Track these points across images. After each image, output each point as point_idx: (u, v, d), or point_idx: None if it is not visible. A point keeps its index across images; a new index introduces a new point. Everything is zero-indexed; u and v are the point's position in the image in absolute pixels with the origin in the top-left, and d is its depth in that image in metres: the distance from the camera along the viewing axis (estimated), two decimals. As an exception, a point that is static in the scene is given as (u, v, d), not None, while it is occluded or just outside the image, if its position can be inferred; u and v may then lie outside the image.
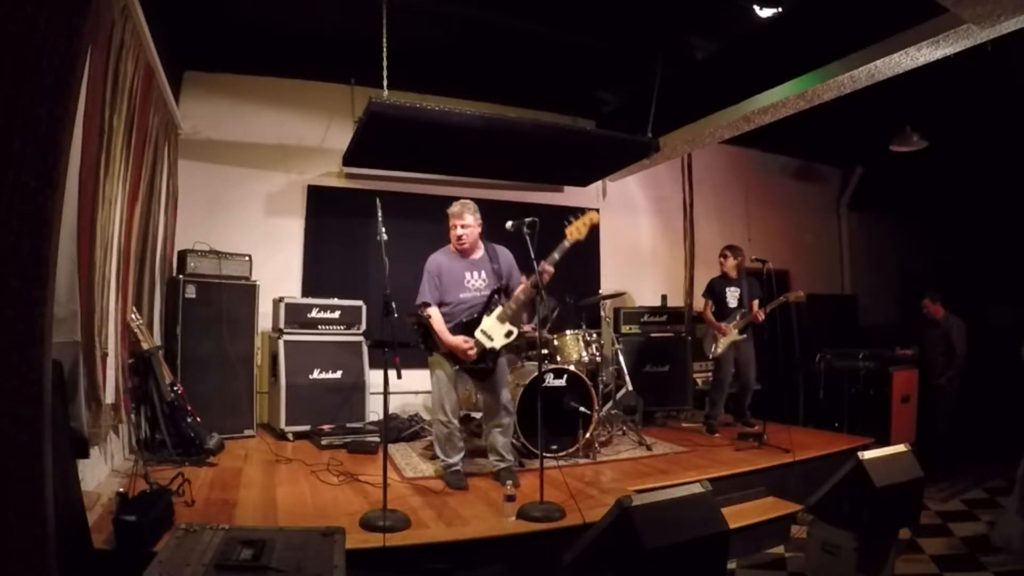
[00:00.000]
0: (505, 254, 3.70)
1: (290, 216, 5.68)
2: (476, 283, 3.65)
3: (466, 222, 3.61)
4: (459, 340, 3.49)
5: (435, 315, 3.57)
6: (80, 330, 2.70)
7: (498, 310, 3.57)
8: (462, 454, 3.71)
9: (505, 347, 3.59)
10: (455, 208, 3.67)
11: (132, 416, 3.91)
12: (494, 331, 3.55)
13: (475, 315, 3.59)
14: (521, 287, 3.56)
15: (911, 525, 3.33)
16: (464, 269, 3.65)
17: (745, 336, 5.25)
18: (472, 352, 3.50)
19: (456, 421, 3.67)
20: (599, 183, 6.80)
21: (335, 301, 5.21)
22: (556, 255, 3.43)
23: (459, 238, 3.62)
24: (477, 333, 3.55)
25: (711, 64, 4.96)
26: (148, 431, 4.05)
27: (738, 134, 5.64)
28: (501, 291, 3.64)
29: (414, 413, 5.50)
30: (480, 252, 3.71)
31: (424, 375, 5.41)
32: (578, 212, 3.50)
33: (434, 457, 4.26)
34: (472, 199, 3.78)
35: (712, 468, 3.98)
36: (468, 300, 3.62)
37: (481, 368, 3.58)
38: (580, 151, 5.66)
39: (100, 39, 2.91)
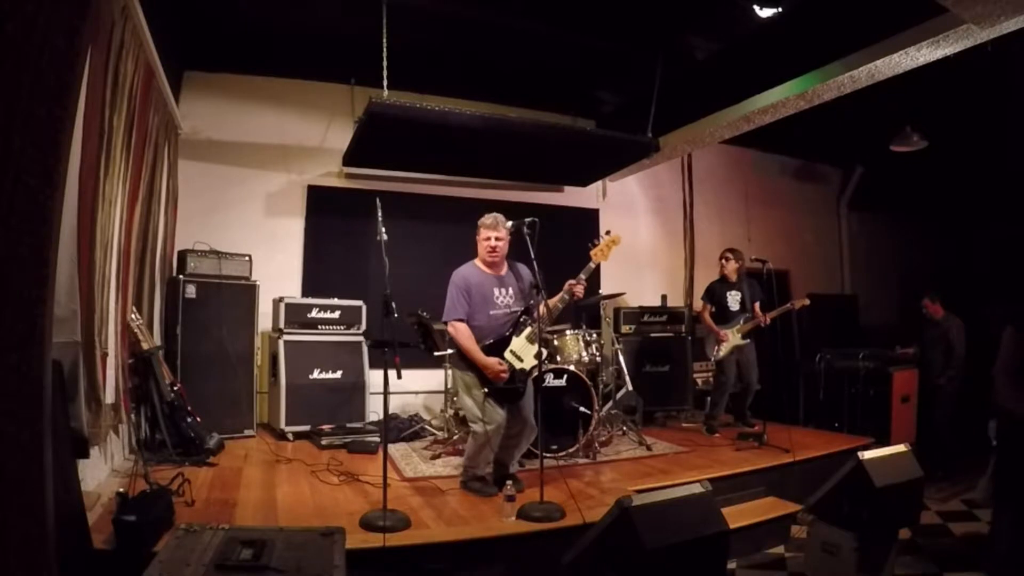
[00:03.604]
0: (527, 272, 3.55)
1: (290, 216, 5.68)
2: (505, 300, 3.53)
3: (500, 234, 3.48)
4: (493, 361, 3.35)
5: (465, 331, 3.40)
6: (80, 330, 2.70)
7: (527, 331, 3.44)
8: (490, 467, 3.58)
9: (535, 368, 3.43)
10: (488, 220, 3.52)
11: (132, 416, 3.91)
12: (524, 352, 3.43)
13: (504, 334, 3.46)
14: (551, 303, 3.45)
15: (911, 525, 3.33)
16: (493, 285, 3.52)
17: (748, 340, 5.24)
18: (505, 375, 3.37)
19: (497, 437, 3.45)
20: (599, 183, 6.81)
21: (335, 301, 5.20)
22: (583, 275, 3.44)
23: (493, 249, 3.47)
24: (507, 354, 3.41)
25: (711, 64, 4.95)
26: (148, 431, 4.05)
27: (738, 134, 5.64)
28: (530, 311, 3.48)
29: (414, 413, 5.51)
30: (505, 268, 3.61)
31: (424, 375, 5.54)
32: (603, 235, 3.54)
33: (436, 457, 4.28)
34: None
35: (712, 468, 3.98)
36: (499, 318, 3.50)
37: (511, 389, 3.43)
38: (580, 151, 5.66)
39: (100, 39, 2.91)
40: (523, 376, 3.46)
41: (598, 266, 3.55)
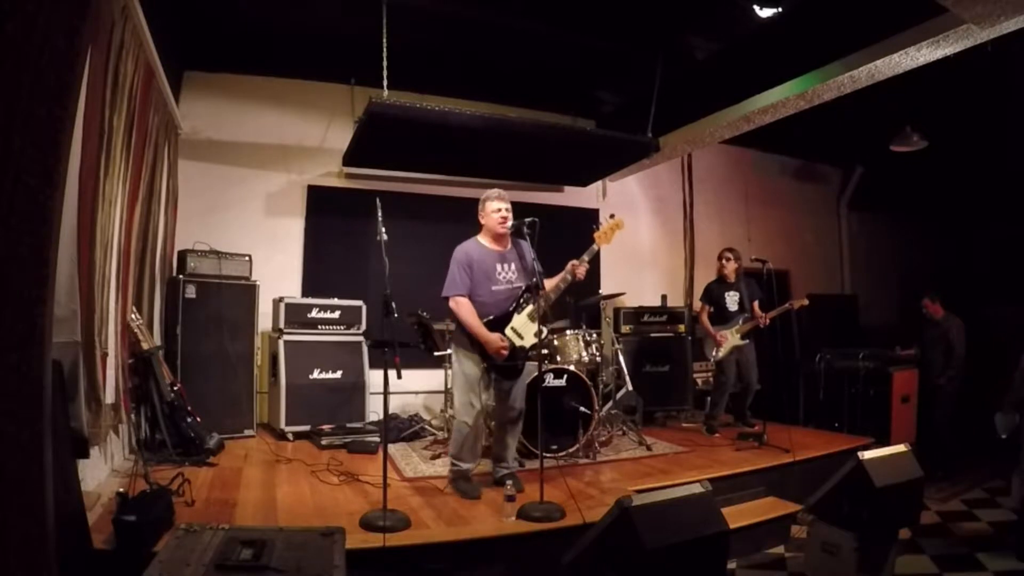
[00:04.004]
0: (531, 251, 3.49)
1: (290, 216, 5.68)
2: (507, 275, 3.52)
3: (509, 205, 3.50)
4: (496, 337, 3.35)
5: (467, 305, 3.39)
6: (80, 330, 2.70)
7: (529, 308, 3.44)
8: (478, 461, 3.57)
9: (534, 347, 3.43)
10: (494, 193, 3.53)
11: (132, 416, 3.91)
12: (525, 330, 3.43)
13: (507, 309, 3.45)
14: (552, 285, 3.47)
15: (911, 525, 3.33)
16: (495, 261, 3.51)
17: (747, 340, 5.24)
18: (506, 351, 3.37)
19: (482, 423, 3.48)
20: (599, 183, 6.81)
21: (335, 301, 5.20)
22: (586, 257, 3.45)
23: (505, 220, 3.46)
24: (507, 331, 3.41)
25: (711, 64, 4.95)
26: (148, 431, 4.05)
27: (738, 134, 5.64)
28: (532, 288, 3.43)
29: (414, 413, 5.51)
30: (509, 244, 3.60)
31: (424, 375, 5.53)
32: (607, 218, 3.54)
33: (436, 457, 4.27)
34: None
35: (712, 468, 3.98)
36: (501, 293, 3.48)
37: (510, 366, 3.43)
38: (580, 151, 5.66)
39: (100, 39, 2.91)
40: (522, 354, 3.46)
41: (599, 250, 3.56)
